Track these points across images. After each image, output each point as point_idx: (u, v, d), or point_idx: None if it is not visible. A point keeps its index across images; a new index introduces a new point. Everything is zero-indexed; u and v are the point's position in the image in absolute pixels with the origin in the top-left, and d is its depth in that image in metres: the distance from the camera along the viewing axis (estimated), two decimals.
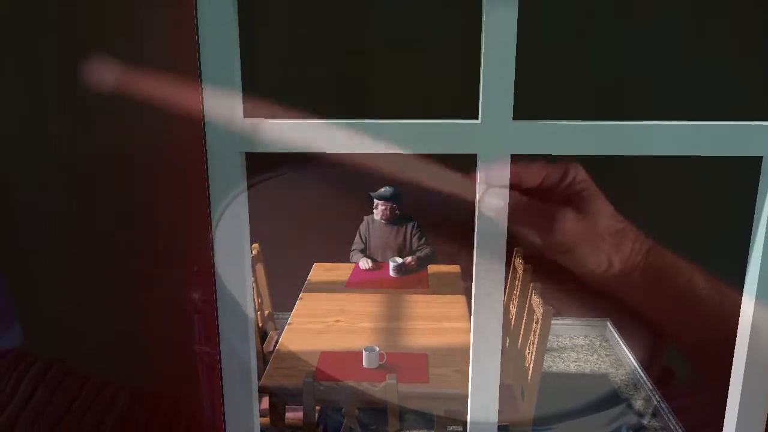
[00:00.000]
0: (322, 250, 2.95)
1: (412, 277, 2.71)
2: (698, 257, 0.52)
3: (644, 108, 2.73)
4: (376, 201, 2.82)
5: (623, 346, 3.12)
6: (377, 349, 1.98)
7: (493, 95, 0.44)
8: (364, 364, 1.97)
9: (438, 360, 2.05)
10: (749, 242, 0.46)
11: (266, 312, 2.60)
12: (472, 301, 0.48)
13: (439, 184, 0.51)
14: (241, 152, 0.47)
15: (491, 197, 0.45)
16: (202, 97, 0.46)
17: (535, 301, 2.07)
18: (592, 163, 0.49)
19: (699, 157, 0.45)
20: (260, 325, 2.51)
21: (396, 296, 2.57)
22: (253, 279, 2.49)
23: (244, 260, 0.48)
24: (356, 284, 2.65)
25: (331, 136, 0.46)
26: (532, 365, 1.99)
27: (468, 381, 0.49)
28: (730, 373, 0.48)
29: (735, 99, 2.06)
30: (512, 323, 2.44)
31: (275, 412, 1.92)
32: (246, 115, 0.46)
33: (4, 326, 0.64)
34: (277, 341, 2.24)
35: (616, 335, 3.23)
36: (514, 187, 0.46)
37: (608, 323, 3.34)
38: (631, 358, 3.01)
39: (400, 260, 2.71)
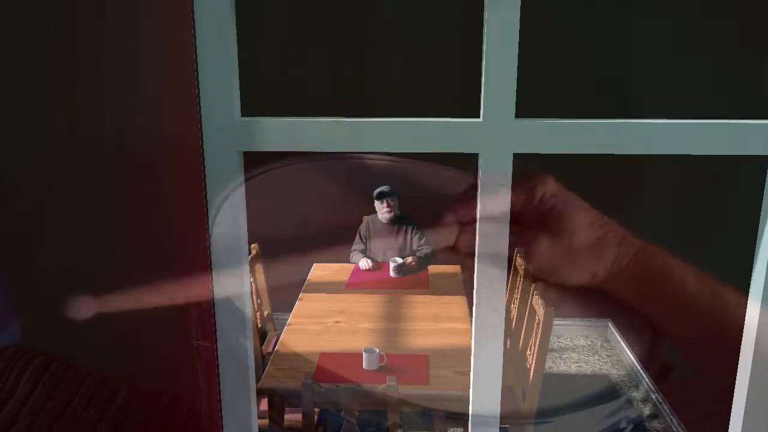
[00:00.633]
0: (322, 250, 2.94)
1: (412, 278, 2.70)
2: (698, 258, 0.52)
3: (649, 106, 2.72)
4: (377, 201, 2.81)
5: (624, 347, 3.11)
6: (377, 350, 1.97)
7: (495, 93, 0.43)
8: (364, 365, 1.96)
9: (438, 361, 2.04)
10: (749, 242, 0.46)
11: (265, 312, 2.60)
12: (474, 301, 0.47)
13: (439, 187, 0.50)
14: (238, 151, 0.46)
15: (493, 198, 0.45)
16: (199, 95, 0.45)
17: (537, 301, 2.06)
18: (593, 163, 0.48)
19: (701, 155, 0.44)
20: (259, 325, 2.51)
21: (396, 297, 2.56)
22: (252, 279, 2.48)
23: (241, 259, 0.48)
24: (356, 284, 2.65)
25: (331, 134, 0.45)
26: (533, 366, 1.98)
27: (469, 383, 0.48)
28: (727, 370, 0.48)
29: (741, 97, 2.06)
30: (513, 324, 2.44)
31: (274, 413, 1.91)
32: (243, 113, 0.46)
33: (3, 322, 0.64)
34: (276, 342, 2.23)
35: (617, 336, 3.23)
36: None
37: (609, 324, 3.33)
38: (633, 359, 3.00)
39: (400, 260, 2.71)
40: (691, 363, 0.55)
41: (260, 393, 1.89)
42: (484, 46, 0.42)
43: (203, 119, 0.45)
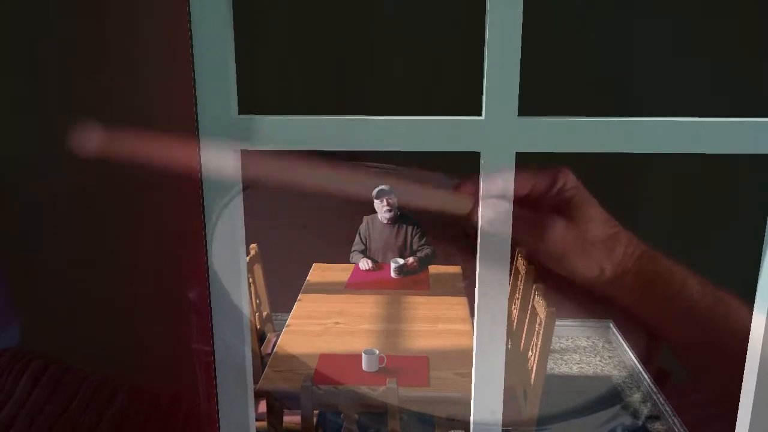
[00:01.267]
0: (322, 250, 2.93)
1: (413, 278, 2.70)
2: (699, 258, 0.51)
3: (655, 105, 2.71)
4: (376, 200, 2.80)
5: (626, 348, 3.10)
6: (377, 352, 1.96)
7: (497, 90, 0.42)
8: (364, 367, 1.95)
9: (439, 363, 2.03)
10: (749, 242, 0.45)
11: (264, 313, 2.59)
12: (475, 307, 0.46)
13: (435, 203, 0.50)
14: (235, 150, 0.45)
15: (495, 198, 0.44)
16: (195, 92, 0.44)
17: (538, 302, 2.05)
18: (592, 162, 0.47)
19: (705, 154, 0.43)
20: (258, 326, 2.50)
21: (396, 298, 2.56)
22: (251, 280, 2.47)
23: (239, 258, 0.47)
24: (356, 285, 2.64)
25: (330, 132, 0.44)
26: (535, 367, 1.97)
27: (470, 385, 0.47)
28: (728, 373, 0.47)
29: (750, 94, 2.05)
30: (514, 325, 2.43)
31: (273, 415, 1.91)
32: (240, 111, 0.45)
33: (2, 325, 0.64)
34: (275, 343, 2.22)
35: (619, 337, 3.22)
36: None
37: (611, 325, 3.32)
38: (634, 360, 2.99)
39: (401, 261, 2.70)
40: (692, 366, 0.55)
41: (258, 395, 1.88)
42: (486, 40, 0.41)
43: (199, 117, 0.44)
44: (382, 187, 2.77)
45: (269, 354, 2.19)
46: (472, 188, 0.47)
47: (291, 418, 1.97)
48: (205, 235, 0.46)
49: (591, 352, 3.21)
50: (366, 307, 2.46)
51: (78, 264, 0.63)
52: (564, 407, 2.50)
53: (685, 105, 2.33)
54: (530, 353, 2.08)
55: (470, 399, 0.47)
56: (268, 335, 2.57)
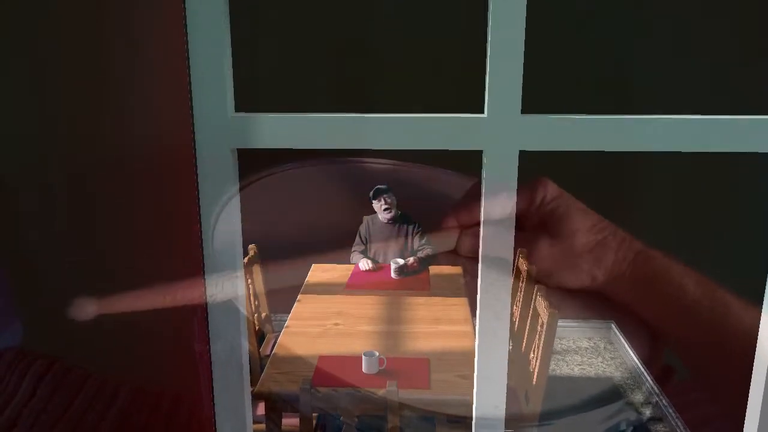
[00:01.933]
0: (322, 250, 2.92)
1: (413, 279, 2.69)
2: (699, 258, 0.51)
3: (655, 105, 2.70)
4: (374, 200, 2.79)
5: (628, 349, 3.09)
6: (377, 353, 1.95)
7: (500, 87, 0.41)
8: (364, 369, 1.94)
9: (440, 365, 2.02)
10: (749, 242, 0.44)
11: (263, 314, 2.58)
12: (477, 308, 0.45)
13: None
14: (232, 149, 0.44)
15: (497, 198, 0.43)
16: (191, 90, 0.44)
17: (540, 303, 2.04)
18: (592, 162, 0.46)
19: (710, 153, 0.42)
20: (257, 327, 2.49)
21: (396, 298, 2.55)
22: (250, 280, 2.47)
23: (236, 259, 0.46)
24: (356, 286, 2.63)
25: (329, 131, 0.43)
26: (537, 369, 1.96)
27: (472, 387, 0.46)
28: (731, 373, 0.46)
29: (750, 94, 2.04)
30: (516, 326, 2.42)
31: (271, 418, 1.90)
32: (237, 108, 0.44)
33: (4, 324, 0.64)
34: (274, 344, 2.21)
35: (620, 338, 3.21)
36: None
37: (613, 325, 3.32)
38: (636, 361, 2.98)
39: (402, 261, 2.70)
40: (693, 365, 0.54)
41: (257, 398, 1.87)
42: (489, 36, 0.40)
43: (195, 115, 0.44)
44: (379, 186, 2.77)
45: (268, 355, 2.19)
46: (454, 221, 0.47)
47: (289, 421, 1.96)
48: (202, 234, 0.46)
49: (592, 353, 3.20)
50: (366, 308, 2.45)
51: (77, 264, 0.63)
52: (565, 409, 2.49)
53: (685, 105, 2.32)
54: (532, 354, 2.07)
55: (472, 402, 0.46)
56: (267, 336, 2.56)
